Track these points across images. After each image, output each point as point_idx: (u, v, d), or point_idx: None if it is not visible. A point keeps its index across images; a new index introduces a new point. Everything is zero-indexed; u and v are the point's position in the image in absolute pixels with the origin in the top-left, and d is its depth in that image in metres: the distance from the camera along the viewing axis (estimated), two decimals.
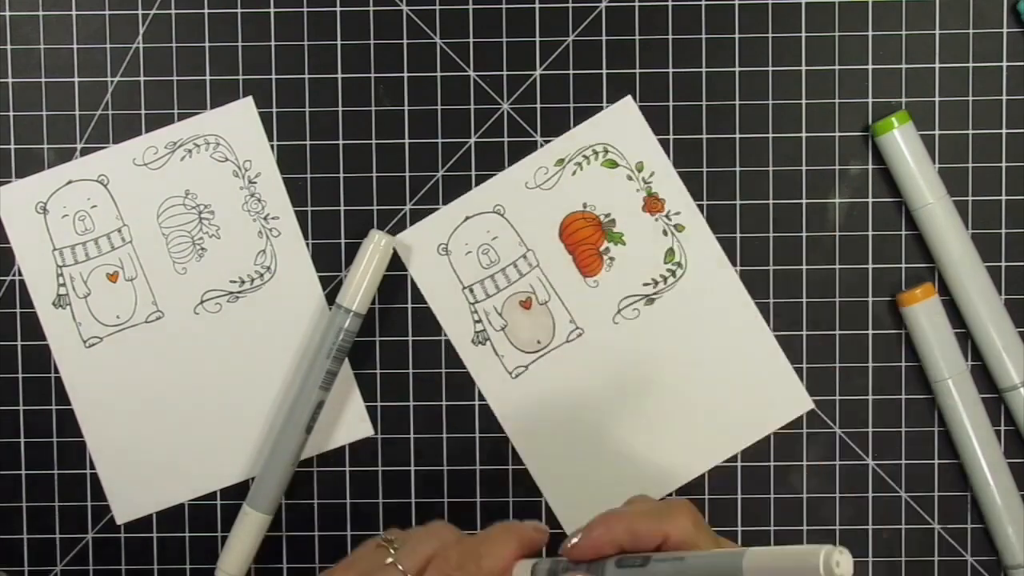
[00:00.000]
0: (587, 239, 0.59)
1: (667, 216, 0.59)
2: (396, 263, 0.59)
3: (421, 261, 0.59)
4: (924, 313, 0.58)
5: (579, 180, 0.59)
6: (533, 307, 0.59)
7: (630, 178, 0.59)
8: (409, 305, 0.59)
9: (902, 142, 0.57)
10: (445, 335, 0.59)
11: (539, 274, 0.59)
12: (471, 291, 0.59)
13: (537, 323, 0.59)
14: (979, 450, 0.58)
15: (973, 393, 0.58)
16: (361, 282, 0.57)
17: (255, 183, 0.59)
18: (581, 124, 0.59)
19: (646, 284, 0.59)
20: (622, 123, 0.59)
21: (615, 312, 0.59)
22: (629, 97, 0.59)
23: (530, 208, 0.59)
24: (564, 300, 0.59)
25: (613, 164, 0.59)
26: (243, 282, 0.59)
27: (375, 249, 0.57)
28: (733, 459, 0.59)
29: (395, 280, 0.59)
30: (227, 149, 0.59)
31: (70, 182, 0.59)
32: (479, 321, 0.59)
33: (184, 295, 0.59)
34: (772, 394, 0.59)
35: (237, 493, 0.60)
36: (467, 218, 0.59)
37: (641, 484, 0.59)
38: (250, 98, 0.59)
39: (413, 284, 0.59)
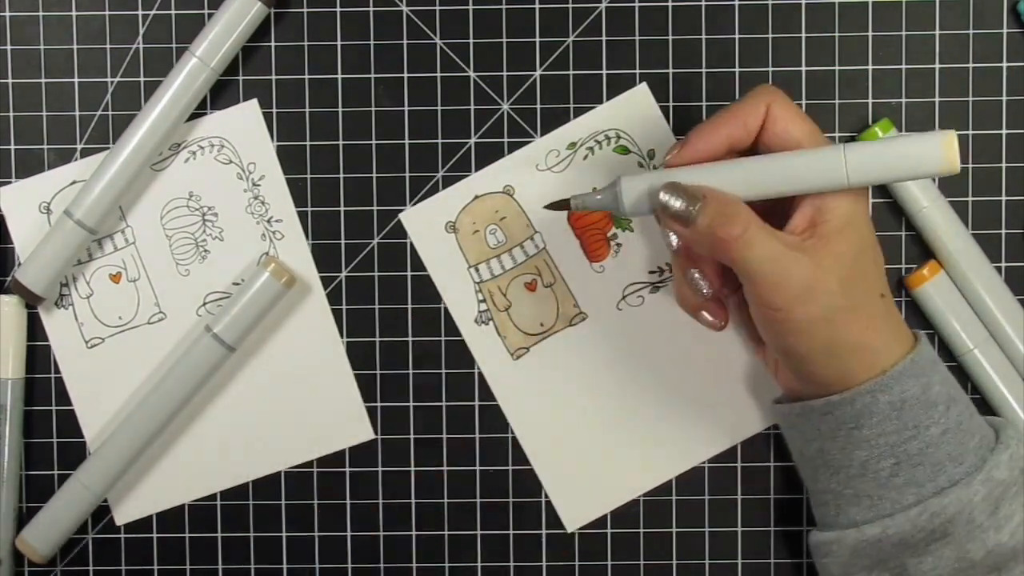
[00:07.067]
0: (595, 224, 0.59)
1: None
2: (395, 262, 0.59)
3: (428, 238, 0.59)
4: (935, 290, 0.58)
5: (590, 164, 0.59)
6: (538, 289, 0.59)
7: (641, 165, 0.59)
8: (409, 306, 0.59)
9: None
10: (445, 336, 0.59)
11: (545, 257, 0.59)
12: (476, 270, 0.59)
13: (541, 306, 0.59)
14: (1020, 412, 0.58)
15: (1001, 358, 0.58)
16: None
17: (259, 186, 0.59)
18: (595, 109, 0.59)
19: (652, 272, 0.59)
20: (636, 110, 0.59)
21: (619, 298, 0.59)
22: (644, 84, 0.59)
23: (540, 190, 0.59)
24: (569, 284, 0.59)
25: (625, 150, 0.59)
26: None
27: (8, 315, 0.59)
28: (732, 459, 0.59)
29: (396, 280, 0.59)
30: (231, 151, 0.59)
31: (74, 182, 0.59)
32: (483, 301, 0.59)
33: (187, 297, 0.59)
34: (770, 389, 0.59)
35: (237, 494, 0.60)
36: (476, 197, 0.59)
37: (637, 469, 0.59)
38: (255, 101, 0.59)
39: (414, 285, 0.59)
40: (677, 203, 0.49)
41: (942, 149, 0.46)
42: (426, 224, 0.59)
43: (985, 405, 0.58)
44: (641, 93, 0.59)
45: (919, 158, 0.46)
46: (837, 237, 0.48)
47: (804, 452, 0.54)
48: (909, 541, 0.50)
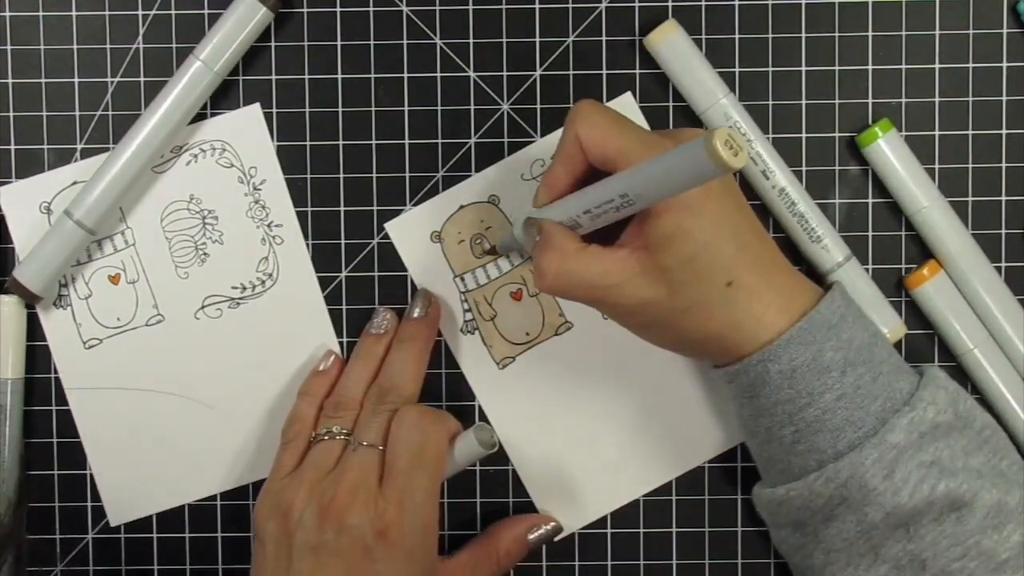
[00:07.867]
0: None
1: None
2: (395, 262, 0.59)
3: (413, 247, 0.59)
4: (935, 290, 0.58)
5: None
6: (524, 299, 0.59)
7: None
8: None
9: (888, 151, 0.57)
10: (444, 337, 0.59)
11: (531, 266, 0.59)
12: (462, 280, 0.59)
13: (527, 315, 0.59)
14: (1020, 412, 0.58)
15: (1001, 358, 0.58)
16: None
17: (260, 190, 0.59)
18: None
19: None
20: None
21: None
22: (628, 94, 0.59)
23: (525, 200, 0.59)
24: None
25: None
26: (244, 288, 0.59)
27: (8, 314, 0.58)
28: (733, 459, 0.59)
29: (394, 280, 0.59)
30: (233, 155, 0.59)
31: (75, 183, 0.59)
32: (468, 310, 0.59)
33: (185, 299, 0.59)
34: None
35: (236, 494, 0.60)
36: (461, 207, 0.59)
37: (625, 477, 0.59)
38: (257, 105, 0.59)
39: (412, 286, 0.59)
40: (526, 238, 0.52)
41: (708, 153, 0.40)
42: (411, 234, 0.59)
43: (985, 405, 0.58)
44: (625, 102, 0.59)
45: (690, 167, 0.42)
46: (659, 250, 0.49)
47: (737, 415, 0.55)
48: (812, 506, 0.51)
